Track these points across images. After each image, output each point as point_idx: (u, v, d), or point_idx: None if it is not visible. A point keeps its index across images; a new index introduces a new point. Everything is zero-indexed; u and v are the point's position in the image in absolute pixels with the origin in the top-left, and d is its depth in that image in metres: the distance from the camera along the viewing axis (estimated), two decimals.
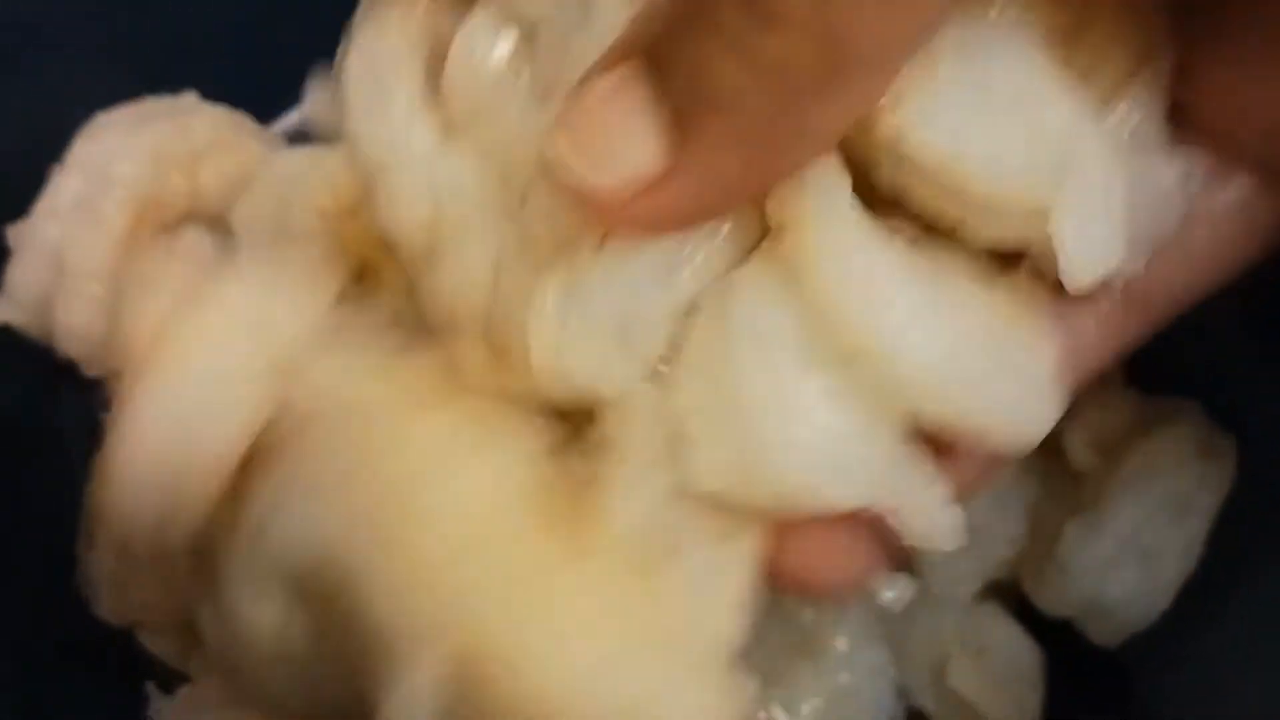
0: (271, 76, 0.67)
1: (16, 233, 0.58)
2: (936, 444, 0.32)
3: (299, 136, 0.66)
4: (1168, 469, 0.46)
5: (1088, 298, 0.33)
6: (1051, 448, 0.51)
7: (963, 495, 0.33)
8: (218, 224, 0.61)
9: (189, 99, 0.62)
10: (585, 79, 0.30)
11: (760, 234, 0.32)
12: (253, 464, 0.40)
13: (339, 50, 0.59)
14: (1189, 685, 0.48)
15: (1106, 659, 0.50)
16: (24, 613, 0.54)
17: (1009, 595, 0.51)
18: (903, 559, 0.45)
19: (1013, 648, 0.50)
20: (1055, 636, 0.51)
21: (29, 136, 0.60)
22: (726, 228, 0.32)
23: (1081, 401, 0.49)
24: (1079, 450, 0.48)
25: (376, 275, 0.59)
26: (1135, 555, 0.46)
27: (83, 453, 0.59)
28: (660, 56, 0.28)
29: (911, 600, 0.48)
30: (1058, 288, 0.32)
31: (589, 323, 0.32)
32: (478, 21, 0.38)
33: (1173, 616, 0.48)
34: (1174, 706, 0.48)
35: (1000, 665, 0.49)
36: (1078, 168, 0.30)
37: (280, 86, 0.66)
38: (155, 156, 0.58)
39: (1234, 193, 0.34)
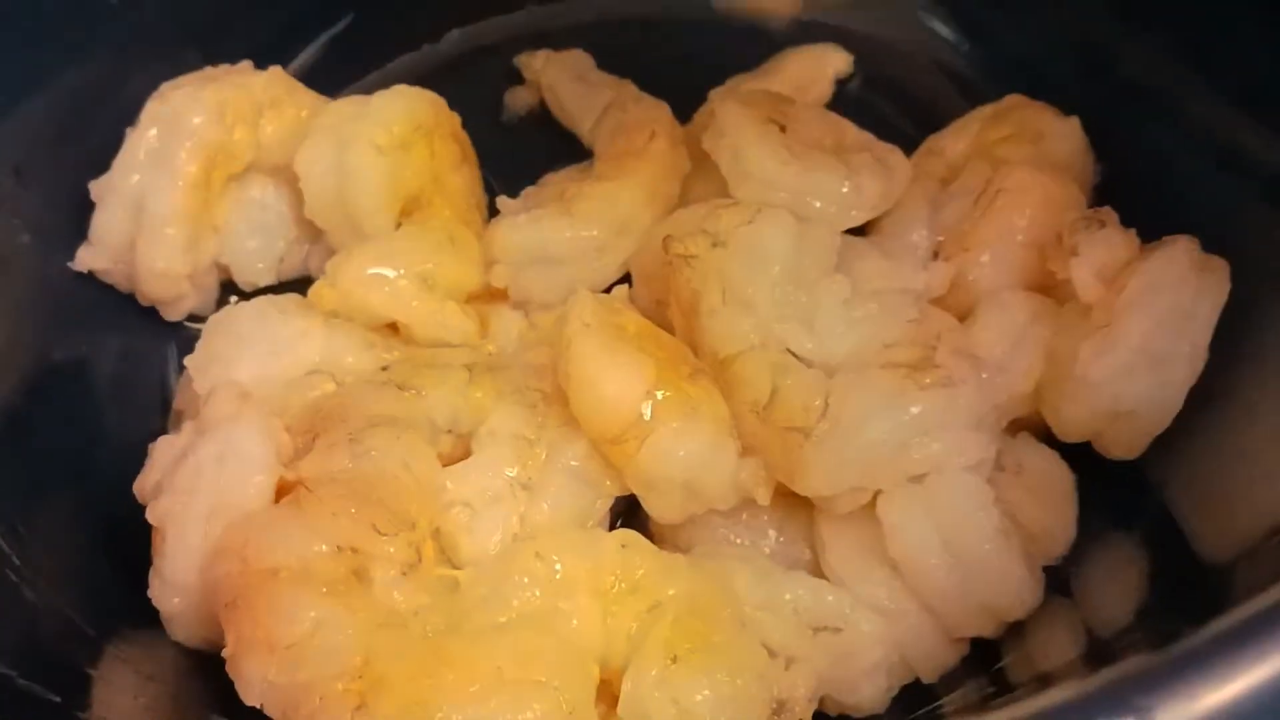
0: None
1: (98, 186, 0.63)
2: None
3: None
4: (1168, 283, 0.51)
5: None
6: (1059, 294, 0.57)
7: None
8: (280, 172, 0.66)
9: (244, 65, 0.68)
10: None
11: None
12: None
13: None
14: (1203, 492, 0.53)
15: (1126, 476, 0.55)
16: (97, 527, 0.58)
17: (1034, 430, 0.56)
18: None
19: (1047, 466, 0.54)
20: (1076, 464, 0.55)
21: (103, 106, 0.66)
22: None
23: (1084, 239, 0.54)
24: (1087, 282, 0.53)
25: (428, 204, 0.65)
26: (1147, 362, 0.51)
27: (160, 396, 0.64)
28: None
29: None
30: None
31: None
32: None
33: (1184, 427, 0.53)
34: (1190, 513, 0.53)
35: (1038, 482, 0.53)
36: None
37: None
38: (221, 110, 0.64)
39: None
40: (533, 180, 0.68)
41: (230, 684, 0.47)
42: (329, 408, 0.55)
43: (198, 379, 0.58)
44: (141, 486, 0.53)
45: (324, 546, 0.49)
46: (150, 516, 0.51)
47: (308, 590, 0.48)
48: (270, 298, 0.61)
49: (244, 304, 0.61)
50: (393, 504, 0.51)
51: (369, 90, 0.65)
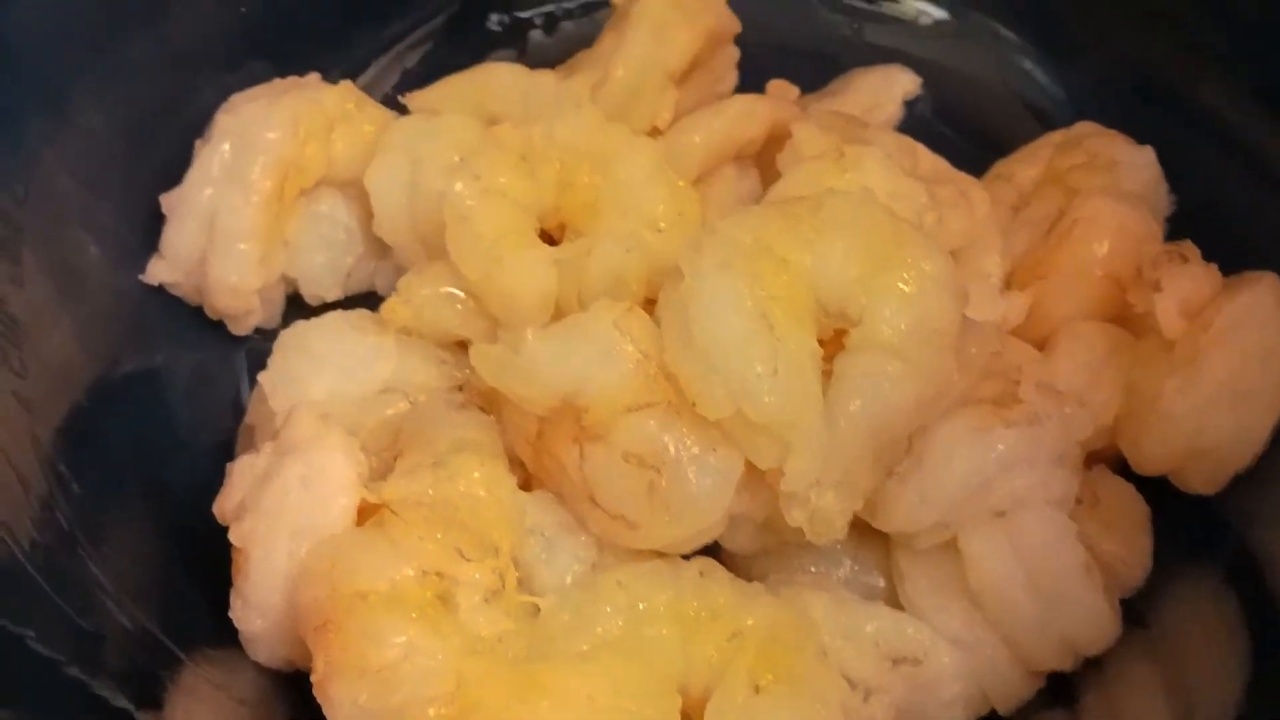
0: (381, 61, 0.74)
1: (170, 199, 0.63)
2: None
3: None
4: (1255, 320, 0.51)
5: None
6: (1133, 325, 0.57)
7: None
8: (348, 187, 0.66)
9: (313, 78, 0.68)
10: None
11: None
12: None
13: None
14: None
15: (1203, 511, 0.55)
16: (172, 540, 0.58)
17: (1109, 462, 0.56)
18: None
19: (1123, 498, 0.54)
20: (1151, 496, 0.56)
21: (173, 118, 0.66)
22: None
23: (1167, 273, 0.55)
24: (1171, 317, 0.53)
25: None
26: (1231, 399, 0.51)
27: (233, 406, 0.65)
28: None
29: None
30: None
31: None
32: None
33: (1266, 467, 0.53)
34: (1271, 550, 0.53)
35: (1115, 514, 0.54)
36: None
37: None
38: (293, 125, 0.63)
39: None
40: None
41: (311, 705, 0.47)
42: (410, 428, 0.56)
43: (272, 396, 0.58)
44: (222, 507, 0.53)
45: (410, 570, 0.49)
46: (233, 537, 0.51)
47: (398, 614, 0.48)
48: (342, 313, 0.61)
49: (316, 320, 0.61)
50: (476, 529, 0.51)
51: None
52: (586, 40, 0.72)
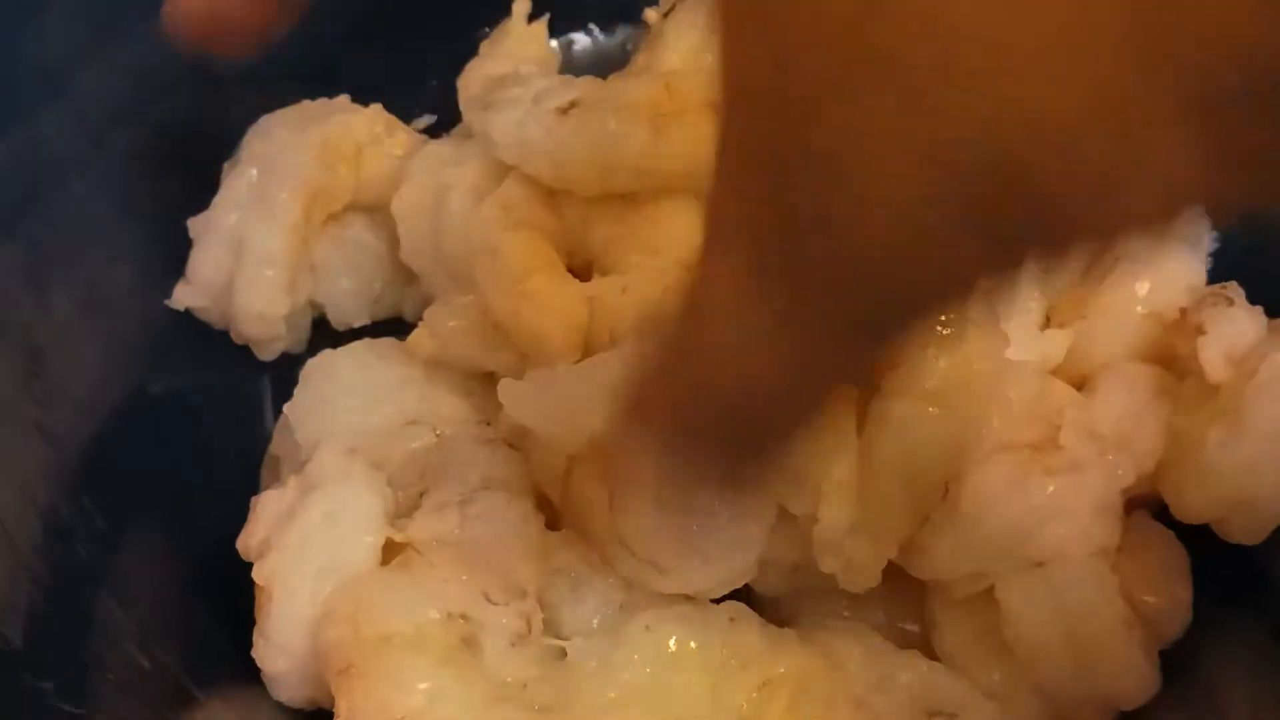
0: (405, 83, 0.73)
1: (197, 223, 0.63)
2: None
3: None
4: None
5: None
6: (1175, 367, 0.55)
7: None
8: (376, 211, 0.65)
9: (342, 100, 0.67)
10: None
11: None
12: None
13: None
14: None
15: (1244, 561, 0.53)
16: (194, 574, 0.57)
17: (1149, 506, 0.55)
18: None
19: (1163, 547, 0.53)
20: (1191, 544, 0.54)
21: (199, 139, 0.65)
22: None
23: (1211, 316, 0.53)
24: (1215, 363, 0.52)
25: None
26: (1275, 451, 0.50)
27: (258, 434, 0.64)
28: None
29: None
30: None
31: None
32: None
33: None
34: None
35: (1153, 563, 0.52)
36: None
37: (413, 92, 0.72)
38: (323, 150, 0.63)
39: None
40: None
41: None
42: (435, 463, 0.55)
43: (298, 428, 0.57)
44: (246, 544, 0.52)
45: (435, 613, 0.48)
46: (256, 575, 0.51)
47: (422, 659, 0.47)
48: (368, 342, 0.61)
49: (342, 350, 0.60)
50: (503, 571, 0.50)
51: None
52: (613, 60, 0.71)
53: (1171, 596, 0.52)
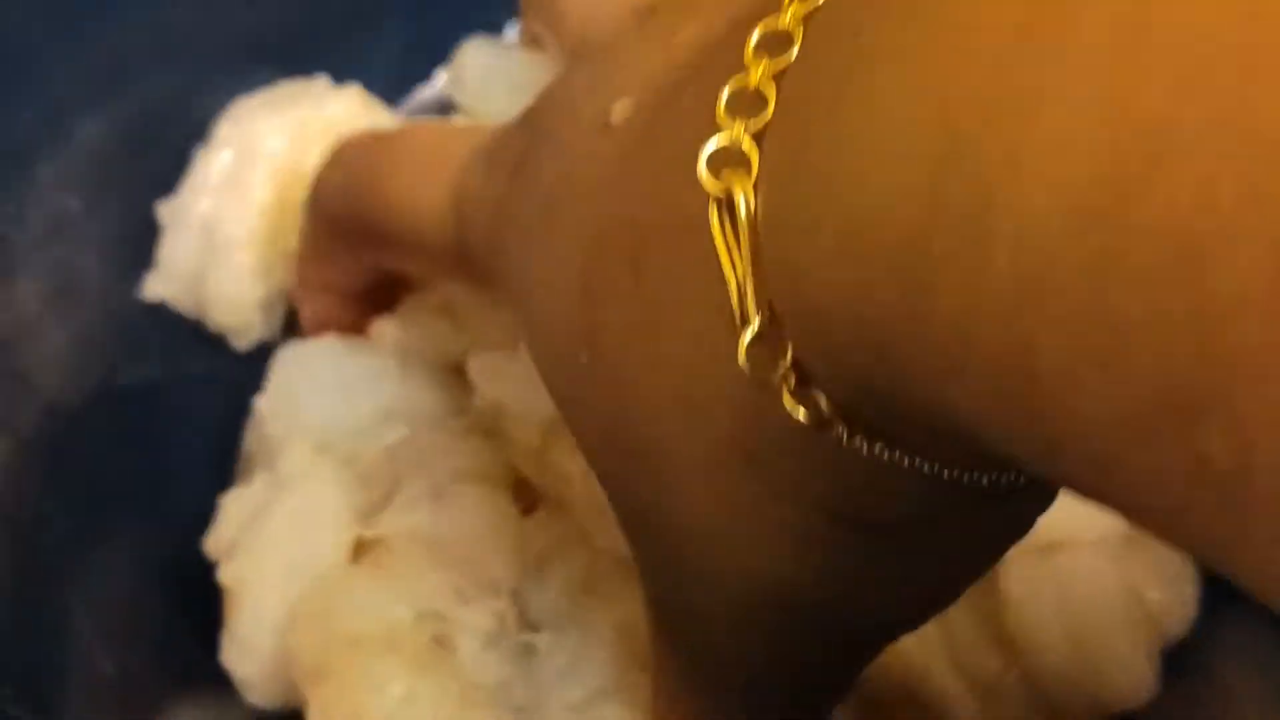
0: (391, 62, 0.71)
1: (167, 209, 0.61)
2: None
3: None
4: None
5: None
6: None
7: None
8: None
9: (320, 82, 0.65)
10: None
11: None
12: None
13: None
14: None
15: None
16: (162, 576, 0.55)
17: None
18: None
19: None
20: None
21: (172, 123, 0.63)
22: None
23: None
24: None
25: None
26: None
27: (233, 426, 0.62)
28: None
29: None
30: None
31: None
32: None
33: None
34: None
35: (1161, 559, 0.50)
36: None
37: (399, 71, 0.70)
38: (297, 132, 0.61)
39: None
40: None
41: None
42: (407, 456, 0.53)
43: (269, 421, 0.55)
44: (215, 545, 0.50)
45: (406, 612, 0.47)
46: (223, 577, 0.49)
47: (393, 661, 0.46)
48: (339, 334, 0.59)
49: (312, 341, 0.58)
50: (477, 566, 0.49)
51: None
52: None
53: (1177, 593, 0.51)
